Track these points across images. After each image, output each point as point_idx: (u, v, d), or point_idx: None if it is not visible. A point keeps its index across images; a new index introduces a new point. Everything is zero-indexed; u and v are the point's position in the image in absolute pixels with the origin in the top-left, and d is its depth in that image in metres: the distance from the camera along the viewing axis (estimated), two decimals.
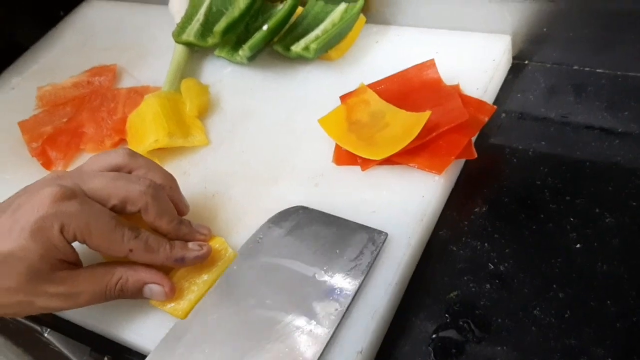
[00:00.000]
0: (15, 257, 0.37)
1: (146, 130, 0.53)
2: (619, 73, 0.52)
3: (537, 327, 0.39)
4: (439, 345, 0.40)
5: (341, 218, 0.45)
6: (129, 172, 0.43)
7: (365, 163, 0.48)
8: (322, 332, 0.39)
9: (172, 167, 0.53)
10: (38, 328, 0.53)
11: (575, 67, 0.54)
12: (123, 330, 0.44)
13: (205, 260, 0.43)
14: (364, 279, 0.41)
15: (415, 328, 0.41)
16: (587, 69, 0.53)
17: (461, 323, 0.41)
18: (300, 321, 0.39)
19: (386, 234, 0.43)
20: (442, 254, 0.44)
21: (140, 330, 0.43)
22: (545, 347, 0.38)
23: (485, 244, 0.44)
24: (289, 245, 0.44)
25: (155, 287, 0.41)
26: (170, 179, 0.44)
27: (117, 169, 0.43)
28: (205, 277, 0.43)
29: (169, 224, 0.42)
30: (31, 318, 0.52)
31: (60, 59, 0.72)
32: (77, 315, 0.47)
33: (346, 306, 0.40)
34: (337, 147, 0.50)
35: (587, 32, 0.51)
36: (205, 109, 0.57)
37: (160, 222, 0.42)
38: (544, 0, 0.51)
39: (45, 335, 0.53)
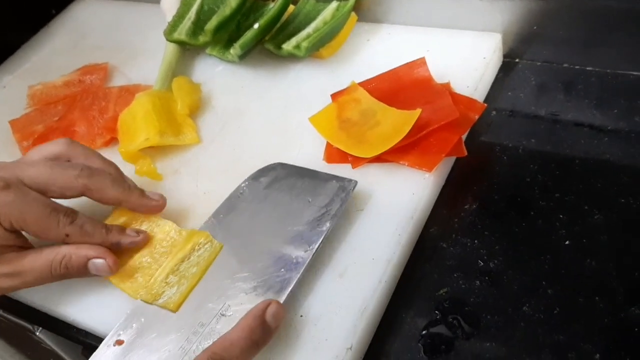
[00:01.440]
0: None
1: (137, 129, 0.53)
2: (608, 71, 0.52)
3: (526, 323, 0.39)
4: (429, 342, 0.40)
5: (314, 170, 0.47)
6: (68, 161, 0.45)
7: (355, 161, 0.48)
8: (291, 275, 0.41)
9: (164, 165, 0.53)
10: (30, 327, 0.52)
11: (565, 65, 0.54)
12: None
13: (141, 246, 0.45)
14: (334, 223, 0.43)
15: (405, 324, 0.41)
16: (577, 67, 0.53)
17: (451, 319, 0.41)
18: (273, 265, 0.42)
19: (355, 182, 0.45)
20: (433, 251, 0.44)
21: None
22: (534, 343, 0.38)
23: (475, 241, 0.44)
24: (267, 197, 0.46)
25: (98, 262, 0.43)
26: (110, 164, 0.47)
27: (56, 158, 0.45)
28: (194, 269, 0.43)
29: (116, 193, 0.44)
30: (23, 316, 0.52)
31: (51, 58, 0.72)
32: (68, 313, 0.46)
33: (315, 247, 0.42)
34: (328, 145, 0.50)
35: (576, 31, 0.51)
36: (197, 107, 0.57)
37: (108, 196, 0.44)
38: None
39: (37, 334, 0.53)
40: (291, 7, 0.60)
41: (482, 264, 0.43)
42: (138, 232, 0.45)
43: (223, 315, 0.40)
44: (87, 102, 0.60)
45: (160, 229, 0.46)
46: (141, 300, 0.43)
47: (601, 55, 0.52)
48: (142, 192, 0.46)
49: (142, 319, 0.41)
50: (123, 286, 0.44)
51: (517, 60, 0.56)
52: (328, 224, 0.43)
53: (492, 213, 0.45)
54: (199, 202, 0.50)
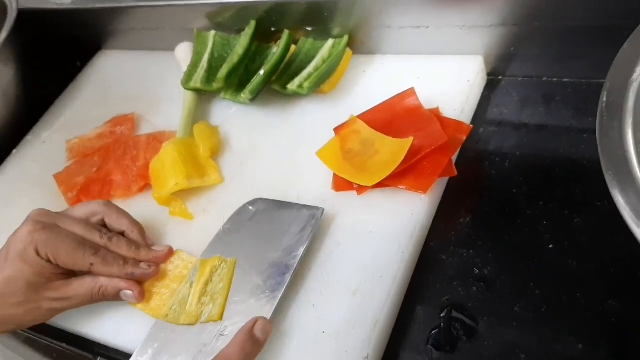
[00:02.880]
0: (15, 278, 0.50)
1: (167, 175, 0.60)
2: (583, 81, 0.57)
3: (517, 322, 0.45)
4: (435, 345, 0.46)
5: (289, 202, 0.55)
6: (102, 219, 0.55)
7: (360, 188, 0.54)
8: (275, 295, 0.48)
9: (193, 205, 0.60)
10: (91, 356, 0.60)
11: (545, 79, 0.59)
12: None
13: (153, 277, 0.53)
14: (307, 245, 0.51)
15: (414, 331, 0.47)
16: (554, 79, 0.59)
17: (453, 323, 0.47)
18: (259, 287, 0.49)
19: (322, 209, 0.53)
20: (434, 264, 0.50)
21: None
22: (526, 339, 0.44)
23: (471, 251, 0.50)
24: (251, 229, 0.55)
25: (128, 292, 0.52)
26: (134, 223, 0.56)
27: (93, 215, 0.55)
28: (220, 285, 0.51)
29: (128, 252, 0.53)
30: (84, 347, 0.59)
31: (83, 111, 0.79)
32: (124, 343, 0.53)
33: (293, 269, 0.49)
34: (335, 175, 0.56)
35: (549, 48, 0.57)
36: (217, 149, 0.64)
37: (119, 223, 0.55)
38: (508, 25, 0.56)
39: None
40: (293, 47, 0.67)
41: (477, 271, 0.49)
42: (150, 265, 0.53)
43: (222, 334, 0.48)
44: (120, 152, 0.67)
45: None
46: (186, 324, 0.50)
47: (575, 67, 0.57)
48: (149, 249, 0.55)
49: (156, 345, 0.49)
50: (148, 310, 0.52)
51: (500, 77, 0.61)
52: (302, 249, 0.51)
53: (484, 224, 0.51)
54: None
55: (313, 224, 0.52)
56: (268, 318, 0.47)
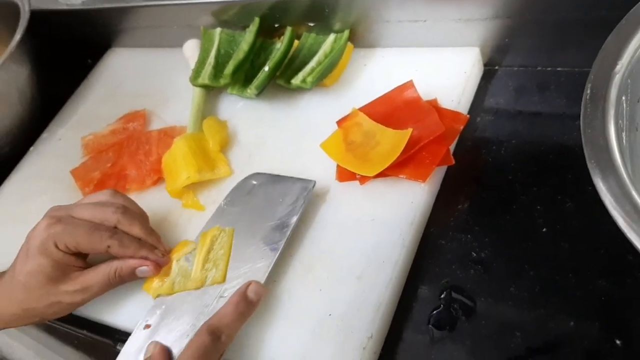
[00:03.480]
0: (36, 272, 0.52)
1: (179, 169, 0.63)
2: (575, 69, 0.59)
3: (513, 302, 0.48)
4: (436, 325, 0.49)
5: (283, 175, 0.59)
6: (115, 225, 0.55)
7: (363, 178, 0.57)
8: (270, 261, 0.53)
9: (205, 197, 0.63)
10: (111, 343, 0.63)
11: (539, 68, 0.61)
12: None
13: (164, 265, 0.56)
14: (300, 214, 0.55)
15: (415, 312, 0.50)
16: (549, 68, 0.61)
17: (452, 304, 0.50)
18: (256, 254, 0.54)
19: (314, 181, 0.57)
20: (433, 248, 0.53)
21: None
22: (521, 318, 0.47)
23: (468, 236, 0.53)
24: (249, 202, 0.58)
25: (143, 268, 0.54)
26: (142, 212, 0.58)
27: (102, 204, 0.56)
28: (221, 252, 0.55)
29: (140, 230, 0.55)
30: (104, 334, 0.62)
31: (95, 108, 0.82)
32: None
33: (286, 237, 0.54)
34: (339, 166, 0.59)
35: (542, 39, 0.59)
36: (226, 143, 0.67)
37: (133, 229, 0.55)
38: (502, 17, 0.58)
39: (117, 347, 0.63)
40: (296, 42, 0.69)
41: (475, 255, 0.51)
42: (164, 254, 0.56)
43: (222, 296, 0.52)
44: (133, 148, 0.70)
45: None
46: (192, 289, 0.53)
47: (568, 56, 0.59)
48: (158, 239, 0.56)
49: (163, 306, 0.53)
50: (162, 290, 0.55)
51: (496, 67, 0.63)
52: (295, 218, 0.55)
53: (481, 210, 0.54)
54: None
55: (305, 195, 0.56)
56: (262, 281, 0.51)
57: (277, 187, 0.58)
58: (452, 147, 0.57)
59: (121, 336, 0.59)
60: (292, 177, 0.58)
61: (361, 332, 0.48)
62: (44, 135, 0.83)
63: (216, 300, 0.52)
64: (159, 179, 0.67)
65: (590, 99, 0.40)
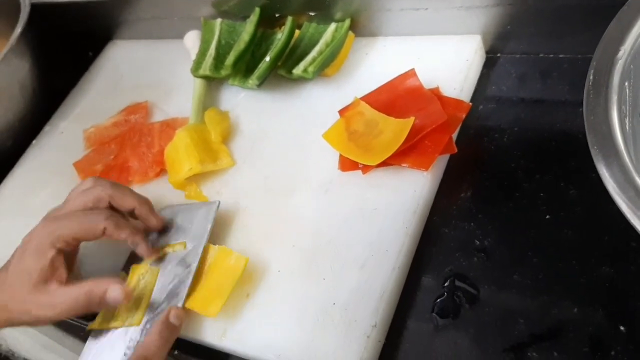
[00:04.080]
0: (24, 272, 0.52)
1: (181, 161, 0.63)
2: (578, 56, 0.59)
3: (516, 289, 0.48)
4: (439, 313, 0.49)
5: (190, 203, 0.61)
6: (109, 203, 0.56)
7: (365, 167, 0.57)
8: (182, 288, 0.54)
9: (207, 188, 0.63)
10: None
11: (541, 55, 0.61)
12: (187, 328, 0.54)
13: (151, 257, 0.56)
14: (208, 236, 0.56)
15: (419, 300, 0.50)
16: (551, 55, 0.60)
17: (456, 292, 0.50)
18: (174, 279, 0.55)
19: (218, 202, 0.58)
20: (436, 237, 0.53)
21: (203, 328, 0.54)
22: (524, 305, 0.47)
23: (471, 224, 0.53)
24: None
25: (115, 290, 0.51)
26: (142, 200, 0.57)
27: (98, 202, 0.55)
28: (144, 292, 0.55)
29: (133, 199, 0.56)
30: None
31: (97, 101, 0.82)
32: None
33: (197, 260, 0.55)
34: (341, 156, 0.59)
35: (544, 26, 0.58)
36: (228, 134, 0.67)
37: (126, 199, 0.56)
38: (504, 5, 0.58)
39: None
40: (297, 32, 0.69)
41: (478, 243, 0.51)
42: (153, 252, 0.56)
43: (143, 330, 0.53)
44: (135, 140, 0.70)
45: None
46: (114, 328, 0.54)
47: (569, 43, 0.59)
48: (150, 207, 0.57)
49: (98, 342, 0.54)
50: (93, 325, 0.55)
51: (498, 55, 0.63)
52: (203, 241, 0.56)
53: (484, 198, 0.54)
54: (241, 217, 0.59)
55: (212, 216, 0.57)
56: (180, 304, 0.52)
57: (187, 213, 0.59)
58: (454, 136, 0.57)
59: None
60: (196, 203, 0.61)
61: (365, 321, 0.48)
62: (46, 128, 0.82)
63: (142, 334, 0.52)
64: (161, 171, 0.67)
65: (593, 86, 0.40)
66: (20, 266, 0.52)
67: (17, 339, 0.89)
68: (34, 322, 0.53)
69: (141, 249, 0.55)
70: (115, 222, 0.53)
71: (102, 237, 0.53)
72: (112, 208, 0.56)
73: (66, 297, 0.51)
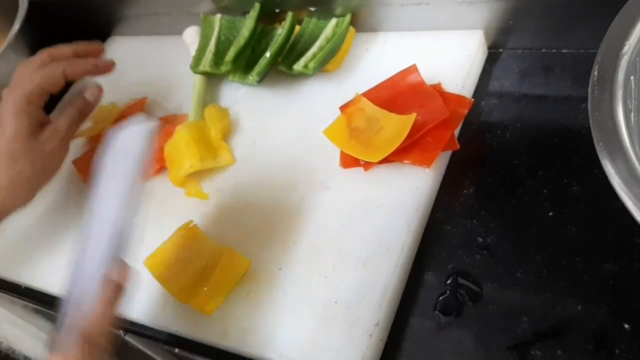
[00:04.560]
0: (17, 132, 0.56)
1: (181, 158, 0.62)
2: (581, 51, 0.59)
3: (519, 286, 0.48)
4: (442, 310, 0.49)
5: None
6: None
7: (366, 164, 0.56)
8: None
9: (208, 185, 0.63)
10: (120, 332, 0.63)
11: (544, 50, 0.60)
12: (189, 327, 0.54)
13: (111, 69, 0.65)
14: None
15: (421, 298, 0.50)
16: (553, 50, 0.60)
17: (459, 289, 0.49)
18: None
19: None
20: (439, 234, 0.53)
21: (204, 326, 0.53)
22: (528, 302, 0.47)
23: (474, 221, 0.52)
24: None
25: (93, 86, 0.65)
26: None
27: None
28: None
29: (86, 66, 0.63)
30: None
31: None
32: (149, 319, 0.57)
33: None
34: (342, 153, 0.58)
35: (546, 21, 0.58)
36: (228, 131, 0.66)
37: (77, 68, 0.62)
38: None
39: (125, 337, 0.64)
40: (297, 27, 0.68)
41: (480, 240, 0.51)
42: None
43: None
44: None
45: None
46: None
47: (573, 38, 0.58)
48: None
49: None
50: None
51: (500, 50, 0.62)
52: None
53: (487, 195, 0.53)
54: (244, 214, 0.59)
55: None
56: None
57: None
58: (456, 132, 0.57)
59: (127, 325, 0.59)
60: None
61: (367, 319, 0.48)
62: None
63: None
64: (161, 168, 0.66)
65: (598, 81, 0.39)
66: (7, 132, 0.56)
67: (17, 336, 0.89)
68: (51, 160, 0.60)
69: (94, 90, 0.63)
70: (66, 62, 0.60)
71: (63, 81, 0.59)
72: None
73: (61, 118, 0.60)
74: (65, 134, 0.60)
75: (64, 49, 0.62)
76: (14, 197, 0.58)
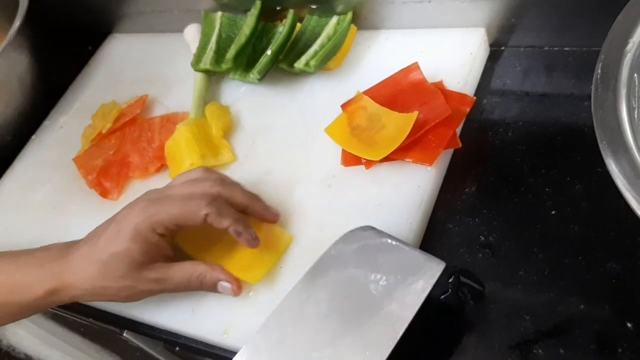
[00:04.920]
0: (122, 255, 0.50)
1: (182, 156, 0.62)
2: (584, 49, 0.58)
3: (522, 285, 0.47)
4: (444, 309, 0.49)
5: (401, 243, 0.47)
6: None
7: (368, 162, 0.56)
8: (379, 355, 0.42)
9: None
10: (117, 330, 0.63)
11: (546, 48, 0.60)
12: (188, 325, 0.54)
13: (254, 247, 0.52)
14: (420, 306, 0.43)
15: None
16: (556, 48, 0.60)
17: (461, 288, 0.49)
18: (360, 343, 0.42)
19: (444, 264, 0.45)
20: (441, 232, 0.53)
21: (205, 325, 0.53)
22: (530, 301, 0.46)
23: (476, 219, 0.52)
24: (356, 265, 0.47)
25: (226, 285, 0.52)
26: (237, 183, 0.55)
27: (195, 180, 0.53)
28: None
29: (242, 196, 0.53)
30: (111, 322, 0.62)
31: (97, 95, 0.80)
32: (149, 316, 0.57)
33: (400, 332, 0.42)
34: (344, 151, 0.58)
35: (549, 19, 0.58)
36: (229, 128, 0.66)
37: (237, 201, 0.53)
38: None
39: (124, 335, 0.64)
40: (298, 25, 0.68)
41: (482, 238, 0.51)
42: (256, 237, 0.52)
43: None
44: (136, 135, 0.69)
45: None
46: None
47: (576, 35, 0.58)
48: (264, 203, 0.55)
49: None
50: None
51: (502, 48, 0.62)
52: (415, 309, 0.43)
53: (489, 193, 0.53)
54: None
55: (429, 281, 0.44)
56: None
57: (393, 257, 0.46)
58: (458, 130, 0.57)
59: (127, 323, 0.59)
60: (412, 250, 0.47)
61: None
62: (46, 123, 0.82)
63: None
64: (162, 166, 0.66)
65: (601, 79, 0.39)
66: (115, 247, 0.50)
67: (17, 334, 0.89)
68: (139, 296, 0.53)
69: (244, 239, 0.52)
70: (217, 209, 0.50)
71: (203, 224, 0.51)
72: None
73: (178, 275, 0.52)
74: (164, 289, 0.53)
75: (235, 197, 0.53)
76: (83, 299, 0.54)
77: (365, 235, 0.48)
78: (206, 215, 0.50)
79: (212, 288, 0.52)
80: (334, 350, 0.43)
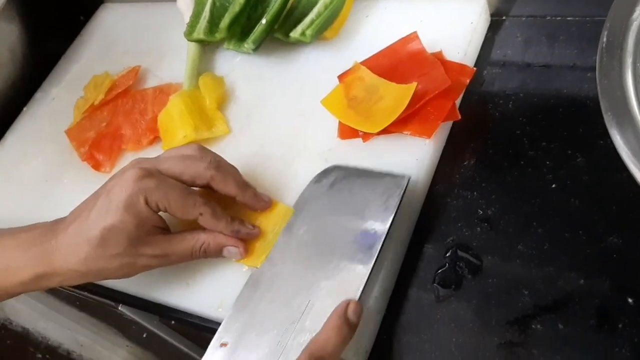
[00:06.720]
0: (117, 229, 0.47)
1: (175, 128, 0.61)
2: (587, 19, 0.57)
3: (521, 260, 0.47)
4: (441, 283, 0.48)
5: (368, 170, 0.52)
6: (208, 183, 0.51)
7: (365, 135, 0.55)
8: (362, 269, 0.46)
9: None
10: (113, 304, 0.62)
11: (548, 18, 0.59)
12: (183, 299, 0.53)
13: (256, 237, 0.51)
14: (393, 218, 0.47)
15: (421, 271, 0.49)
16: (558, 18, 0.58)
17: (458, 262, 0.48)
18: (345, 262, 0.47)
19: (409, 177, 0.49)
20: (439, 206, 0.52)
21: (200, 299, 0.53)
22: (529, 276, 0.46)
23: (475, 193, 0.51)
24: (330, 199, 0.51)
25: (232, 249, 0.51)
26: (232, 166, 0.53)
27: (188, 157, 0.51)
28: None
29: (235, 185, 0.51)
30: (106, 296, 0.62)
31: (89, 66, 0.79)
32: (144, 291, 0.56)
33: (381, 243, 0.46)
34: (340, 123, 0.57)
35: None
36: (223, 100, 0.65)
37: (228, 188, 0.51)
38: None
39: (119, 308, 0.63)
40: None
41: (481, 212, 0.50)
42: (254, 226, 0.52)
43: (310, 311, 0.46)
44: (128, 107, 0.68)
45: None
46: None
47: (578, 4, 0.57)
48: (255, 191, 0.53)
49: (241, 321, 0.47)
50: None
51: (503, 18, 0.60)
52: (389, 220, 0.47)
53: (488, 166, 0.52)
54: None
55: (398, 194, 0.48)
56: (356, 298, 0.45)
57: (362, 183, 0.51)
58: (458, 102, 0.55)
59: (122, 297, 0.58)
60: (377, 172, 0.51)
61: (366, 289, 0.47)
62: (38, 94, 0.80)
63: (304, 315, 0.46)
64: (155, 138, 0.65)
65: (607, 48, 0.38)
66: (109, 220, 0.47)
67: (14, 307, 0.89)
68: (137, 272, 0.51)
69: (243, 235, 0.51)
70: (212, 210, 0.49)
71: (194, 221, 0.50)
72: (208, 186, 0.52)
73: (179, 248, 0.50)
74: (165, 263, 0.51)
75: (227, 184, 0.51)
76: (74, 282, 0.51)
77: (334, 172, 0.53)
78: (200, 214, 0.49)
79: (217, 254, 0.51)
80: (316, 276, 0.47)
